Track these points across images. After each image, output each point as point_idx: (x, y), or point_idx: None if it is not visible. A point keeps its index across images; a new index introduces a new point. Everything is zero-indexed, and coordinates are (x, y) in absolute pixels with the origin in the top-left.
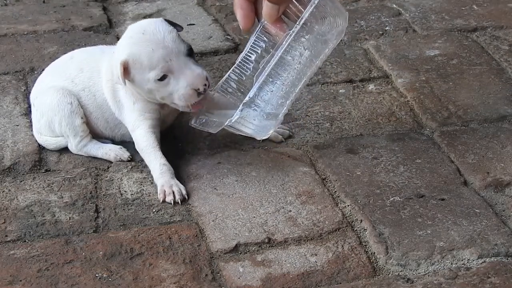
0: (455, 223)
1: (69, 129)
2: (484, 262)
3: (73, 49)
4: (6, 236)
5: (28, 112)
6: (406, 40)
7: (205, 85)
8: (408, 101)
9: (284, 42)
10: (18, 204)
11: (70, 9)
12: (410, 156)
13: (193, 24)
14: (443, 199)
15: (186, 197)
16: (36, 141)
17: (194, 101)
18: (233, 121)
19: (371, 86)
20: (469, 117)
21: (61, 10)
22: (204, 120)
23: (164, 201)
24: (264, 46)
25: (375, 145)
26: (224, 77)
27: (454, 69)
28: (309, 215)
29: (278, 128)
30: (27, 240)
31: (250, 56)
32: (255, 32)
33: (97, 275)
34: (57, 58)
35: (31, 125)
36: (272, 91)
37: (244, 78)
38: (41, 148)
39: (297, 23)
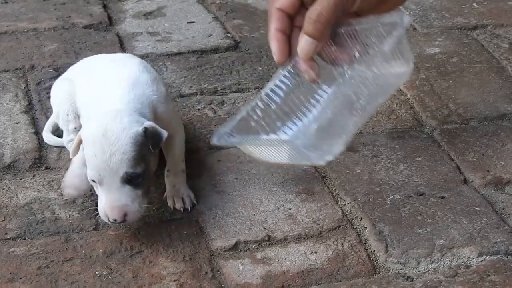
0: (455, 221)
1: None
2: (484, 260)
3: (73, 47)
4: (6, 233)
5: (28, 110)
6: (406, 38)
7: (115, 220)
8: (408, 99)
9: (345, 75)
10: (18, 201)
11: (70, 6)
12: (410, 154)
13: (193, 22)
14: (443, 197)
15: (195, 202)
16: (36, 138)
17: (106, 222)
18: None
19: None
20: (469, 115)
21: (61, 7)
22: (230, 140)
23: (174, 208)
24: (294, 82)
25: (375, 143)
26: (251, 105)
27: (454, 67)
28: (309, 213)
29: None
30: (27, 238)
31: (278, 90)
32: (286, 66)
33: (97, 272)
34: (57, 55)
35: (31, 122)
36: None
37: (270, 109)
38: (41, 146)
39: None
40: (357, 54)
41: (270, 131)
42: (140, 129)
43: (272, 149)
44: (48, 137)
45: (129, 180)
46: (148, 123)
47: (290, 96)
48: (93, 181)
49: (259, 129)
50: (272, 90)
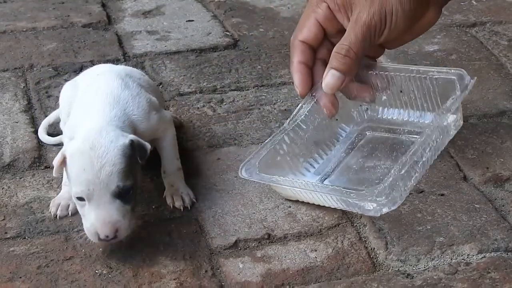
0: (454, 218)
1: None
2: (484, 257)
3: (72, 46)
4: (6, 233)
5: (27, 109)
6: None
7: (107, 236)
8: None
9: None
10: (18, 201)
11: (69, 5)
12: None
13: (192, 21)
14: (442, 194)
15: (195, 200)
16: (36, 138)
17: (94, 241)
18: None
19: None
20: (468, 112)
21: (60, 6)
22: (262, 177)
23: (174, 206)
24: (318, 118)
25: None
26: (278, 138)
27: (453, 65)
28: (309, 210)
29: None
30: (26, 237)
31: (303, 125)
32: (309, 100)
33: (97, 271)
34: (56, 55)
35: (31, 121)
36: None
37: (295, 145)
38: (40, 145)
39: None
40: (384, 98)
41: (294, 167)
42: (126, 141)
43: (306, 192)
44: (42, 136)
45: (120, 194)
46: (132, 136)
47: (313, 132)
48: (79, 199)
49: (284, 164)
50: (298, 126)
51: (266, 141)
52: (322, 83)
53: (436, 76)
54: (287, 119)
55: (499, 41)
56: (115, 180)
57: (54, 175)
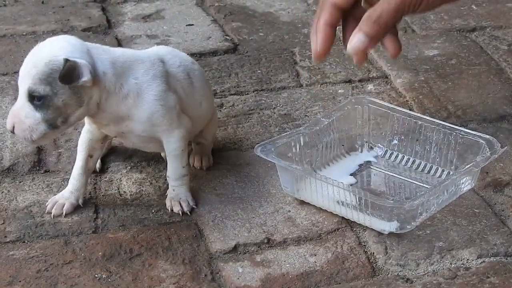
0: (454, 223)
1: None
2: (484, 262)
3: None
4: (6, 237)
5: None
6: (405, 40)
7: (11, 128)
8: (407, 101)
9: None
10: (17, 204)
11: (69, 9)
12: None
13: (192, 25)
14: None
15: (194, 206)
16: None
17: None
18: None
19: (370, 86)
20: (468, 117)
21: (60, 10)
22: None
23: (172, 210)
24: (329, 135)
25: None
26: (296, 136)
27: (453, 69)
28: (308, 215)
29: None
30: (26, 241)
31: (316, 135)
32: (326, 119)
33: (96, 275)
34: None
35: None
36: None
37: (305, 150)
38: (40, 149)
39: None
40: (395, 142)
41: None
42: (63, 56)
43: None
44: None
45: (31, 97)
46: (79, 59)
47: (324, 145)
48: None
49: (288, 165)
50: (314, 133)
51: (282, 135)
52: (348, 43)
53: (463, 135)
54: (287, 123)
55: (499, 46)
56: (29, 80)
57: None
